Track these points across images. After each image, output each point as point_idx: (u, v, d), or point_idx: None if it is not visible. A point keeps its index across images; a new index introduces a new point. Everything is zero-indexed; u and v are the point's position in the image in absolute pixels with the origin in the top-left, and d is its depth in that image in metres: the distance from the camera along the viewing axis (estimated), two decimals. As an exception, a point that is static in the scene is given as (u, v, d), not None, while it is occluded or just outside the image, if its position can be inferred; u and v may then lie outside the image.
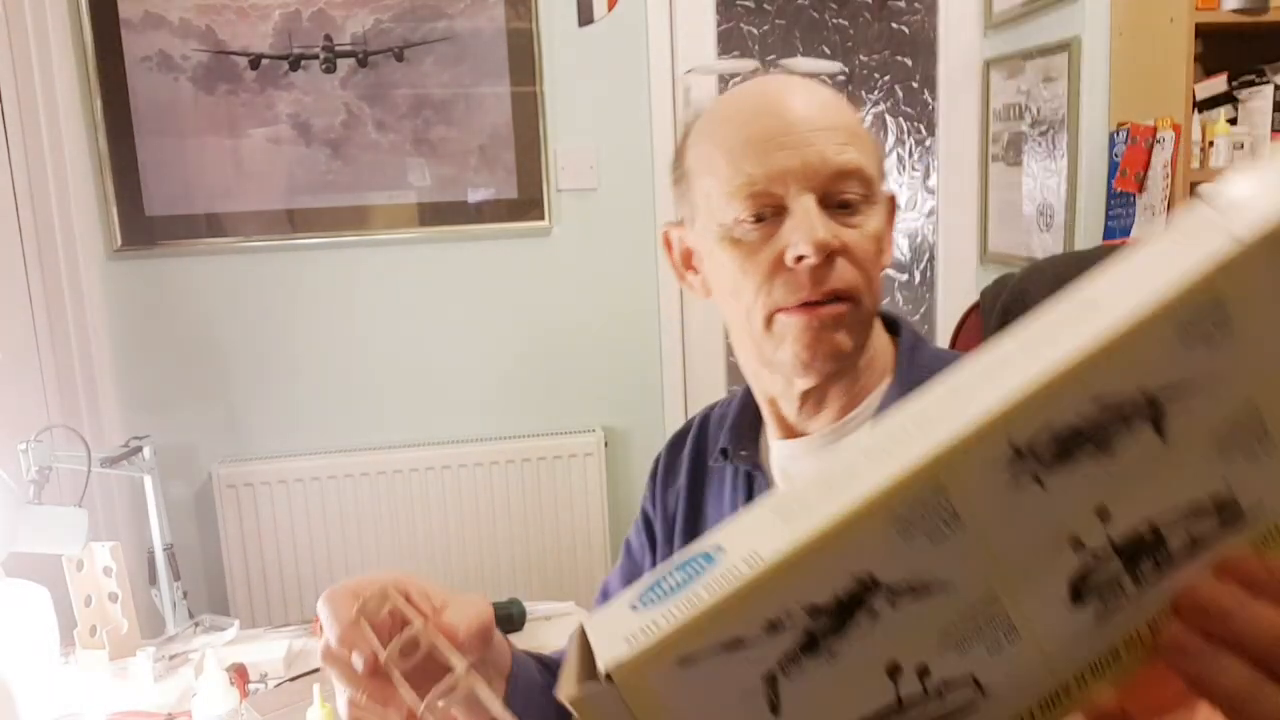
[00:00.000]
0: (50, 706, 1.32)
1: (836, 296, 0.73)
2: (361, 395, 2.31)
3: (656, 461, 0.95)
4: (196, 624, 1.62)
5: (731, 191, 0.73)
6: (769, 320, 0.74)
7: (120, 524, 2.06)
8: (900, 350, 0.81)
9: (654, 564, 0.93)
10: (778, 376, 0.78)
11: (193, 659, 1.49)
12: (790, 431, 0.82)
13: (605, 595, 1.01)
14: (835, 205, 0.73)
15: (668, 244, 0.85)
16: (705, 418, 0.93)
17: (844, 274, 0.73)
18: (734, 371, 2.62)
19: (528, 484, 2.32)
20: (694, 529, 0.89)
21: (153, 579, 1.68)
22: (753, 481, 0.84)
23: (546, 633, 1.56)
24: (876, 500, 0.30)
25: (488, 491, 2.31)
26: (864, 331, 0.77)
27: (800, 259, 0.71)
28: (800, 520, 0.30)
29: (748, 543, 0.30)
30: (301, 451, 2.28)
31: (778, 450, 0.83)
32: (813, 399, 0.79)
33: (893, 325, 0.83)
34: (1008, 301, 1.33)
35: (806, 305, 0.73)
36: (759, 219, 0.73)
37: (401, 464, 2.27)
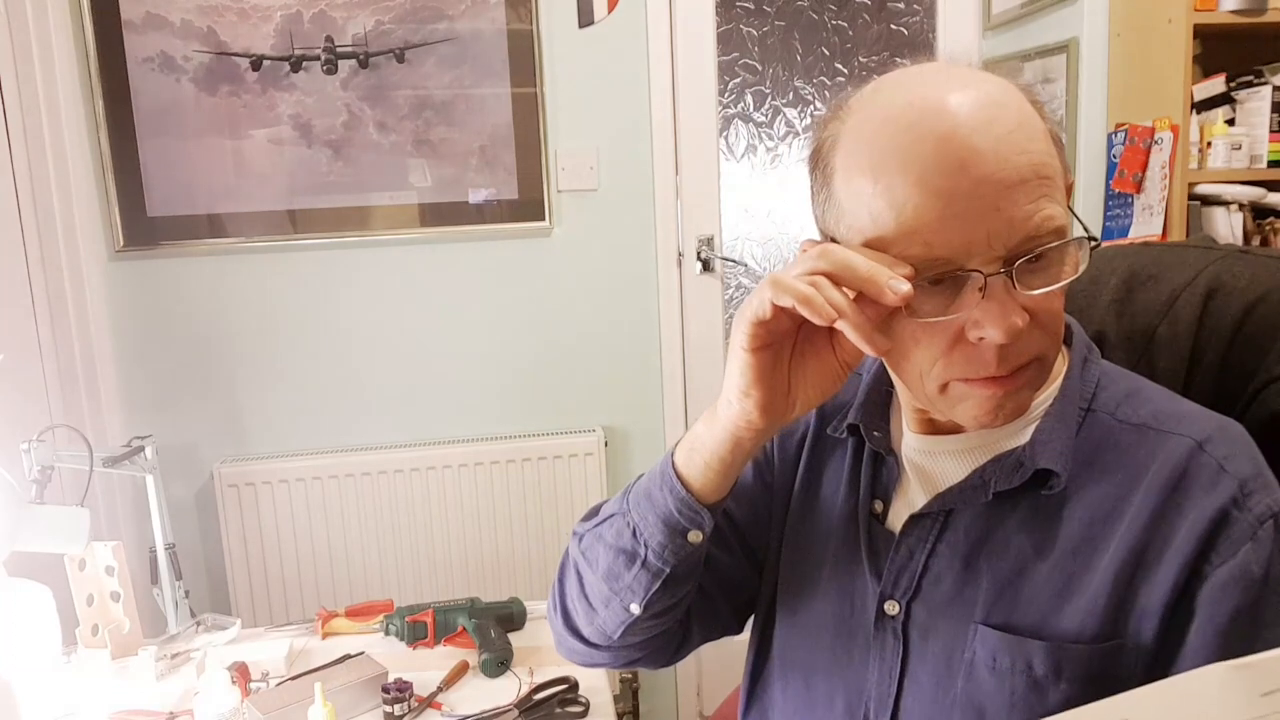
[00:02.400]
0: (52, 705, 1.33)
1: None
2: (362, 395, 2.31)
3: None
4: (198, 623, 1.63)
5: (901, 257, 0.64)
6: (944, 387, 0.69)
7: (122, 523, 2.06)
8: (1071, 362, 0.75)
9: (753, 479, 0.89)
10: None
11: (194, 658, 1.49)
12: (929, 426, 0.77)
13: None
14: (1025, 263, 0.64)
15: None
16: None
17: (1031, 343, 0.66)
18: (734, 372, 2.62)
19: (528, 484, 2.32)
20: (810, 493, 0.86)
21: (154, 578, 1.68)
22: (879, 462, 0.81)
23: (547, 632, 1.56)
24: None
25: (488, 491, 2.31)
26: (1047, 379, 0.72)
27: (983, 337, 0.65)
28: None
29: None
30: (302, 451, 2.28)
31: (913, 441, 0.79)
32: None
33: (1065, 331, 0.77)
34: None
35: (990, 378, 0.67)
36: (935, 283, 0.64)
37: (402, 464, 2.27)
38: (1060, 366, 0.76)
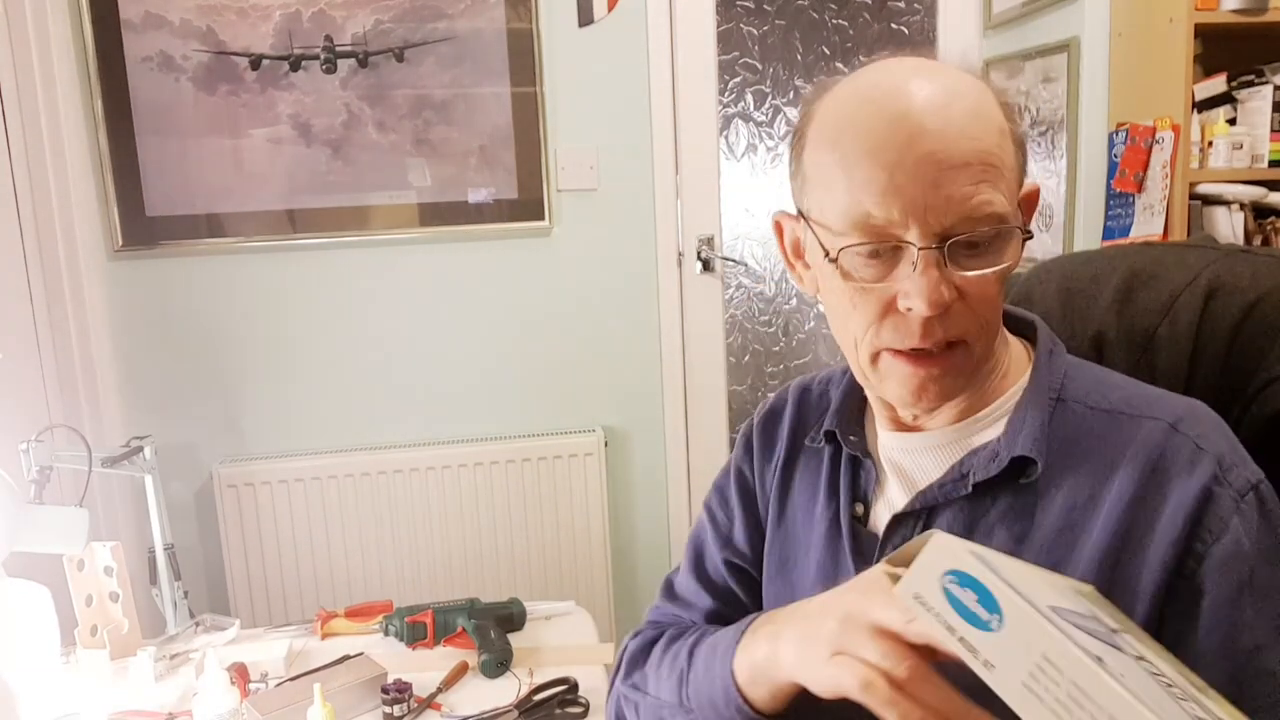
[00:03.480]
0: (51, 706, 1.33)
1: (948, 343, 0.71)
2: (362, 395, 2.31)
3: (749, 430, 0.93)
4: (197, 623, 1.63)
5: (847, 223, 0.69)
6: (875, 357, 0.73)
7: (121, 524, 2.06)
8: (1038, 355, 0.78)
9: (748, 527, 0.90)
10: None
11: (193, 658, 1.49)
12: (903, 424, 0.79)
13: (671, 591, 0.96)
14: (960, 244, 0.68)
15: (779, 230, 0.81)
16: (803, 392, 0.91)
17: (959, 322, 0.70)
18: (734, 372, 2.62)
19: (528, 484, 2.32)
20: (782, 506, 0.87)
21: (153, 579, 1.68)
22: (857, 466, 0.82)
23: (547, 633, 1.56)
24: None
25: (488, 491, 2.31)
26: (977, 368, 0.74)
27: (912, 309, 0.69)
28: None
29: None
30: (302, 451, 2.28)
31: (889, 441, 0.81)
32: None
33: (1028, 327, 0.81)
34: (1013, 303, 1.33)
35: (915, 353, 0.70)
36: (874, 254, 0.69)
37: (402, 464, 2.27)
38: (1026, 362, 0.78)
